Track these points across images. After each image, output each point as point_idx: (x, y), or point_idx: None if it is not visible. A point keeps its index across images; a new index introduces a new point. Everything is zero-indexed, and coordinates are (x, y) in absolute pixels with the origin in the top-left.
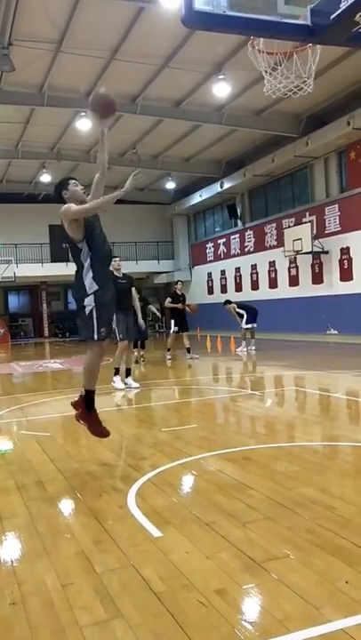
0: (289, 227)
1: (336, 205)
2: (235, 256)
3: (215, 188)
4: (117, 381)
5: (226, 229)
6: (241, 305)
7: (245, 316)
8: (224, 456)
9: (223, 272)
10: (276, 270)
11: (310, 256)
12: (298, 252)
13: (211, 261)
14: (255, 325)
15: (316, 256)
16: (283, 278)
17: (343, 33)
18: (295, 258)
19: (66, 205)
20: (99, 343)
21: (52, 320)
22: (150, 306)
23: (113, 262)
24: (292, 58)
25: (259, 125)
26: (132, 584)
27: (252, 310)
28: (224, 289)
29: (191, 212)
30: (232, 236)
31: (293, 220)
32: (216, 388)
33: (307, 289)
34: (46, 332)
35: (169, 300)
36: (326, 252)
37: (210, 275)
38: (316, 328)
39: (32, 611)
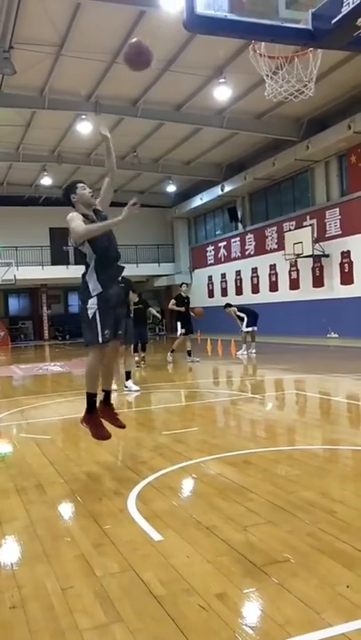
0: (290, 230)
1: (337, 209)
2: (235, 259)
3: (216, 192)
4: (129, 384)
5: (226, 233)
6: (241, 308)
7: (246, 319)
8: (224, 459)
9: (224, 275)
10: (276, 274)
11: (311, 259)
12: (298, 256)
13: (211, 264)
14: (256, 329)
15: (317, 259)
16: (283, 282)
17: (344, 37)
18: (296, 261)
19: (70, 227)
20: (101, 346)
21: (52, 323)
22: (150, 309)
23: None
24: (294, 62)
25: (259, 129)
26: (132, 588)
27: (252, 314)
28: (225, 292)
29: (192, 215)
30: (233, 240)
31: (294, 223)
32: (216, 392)
33: (307, 292)
34: (46, 335)
35: (173, 302)
36: (327, 256)
37: (210, 278)
38: (316, 331)
39: (32, 614)
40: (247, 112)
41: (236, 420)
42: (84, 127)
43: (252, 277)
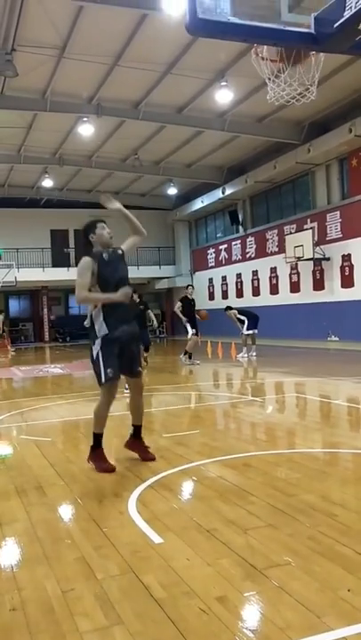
0: (290, 233)
1: (337, 212)
2: (236, 262)
3: (217, 194)
4: None
5: (227, 235)
6: (242, 311)
7: (246, 322)
8: (225, 462)
9: (224, 278)
10: (277, 276)
11: (311, 262)
12: (299, 259)
13: (212, 267)
14: (256, 331)
15: (318, 263)
16: (284, 285)
17: (346, 41)
18: (296, 264)
19: (76, 282)
20: (108, 386)
21: (52, 325)
22: (149, 311)
23: None
24: (296, 65)
25: (261, 132)
26: (132, 590)
27: (253, 316)
28: (225, 295)
29: (193, 217)
30: (233, 242)
31: (295, 226)
32: (217, 394)
33: (308, 295)
34: (47, 337)
35: (179, 304)
36: (328, 259)
37: (211, 280)
38: (317, 334)
39: (32, 617)
40: (248, 115)
41: (237, 422)
42: (86, 129)
43: (252, 280)
